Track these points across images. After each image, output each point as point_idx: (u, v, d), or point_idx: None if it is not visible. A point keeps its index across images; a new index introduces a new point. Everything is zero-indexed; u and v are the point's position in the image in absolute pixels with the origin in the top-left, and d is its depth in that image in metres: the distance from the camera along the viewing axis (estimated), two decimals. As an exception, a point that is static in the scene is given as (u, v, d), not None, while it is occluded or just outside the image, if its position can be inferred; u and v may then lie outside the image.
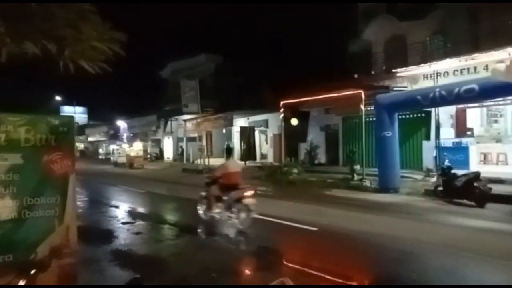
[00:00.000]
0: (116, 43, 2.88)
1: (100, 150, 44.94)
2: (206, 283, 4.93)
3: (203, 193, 8.74)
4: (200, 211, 8.77)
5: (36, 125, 3.09)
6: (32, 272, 1.87)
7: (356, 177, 14.48)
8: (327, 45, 25.33)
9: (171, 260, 6.02)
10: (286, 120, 18.80)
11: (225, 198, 7.99)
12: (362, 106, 14.50)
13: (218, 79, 30.48)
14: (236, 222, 7.64)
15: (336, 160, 19.95)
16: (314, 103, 17.89)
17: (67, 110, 62.44)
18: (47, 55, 2.88)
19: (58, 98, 58.79)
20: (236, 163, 9.18)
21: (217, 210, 8.16)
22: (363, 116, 14.70)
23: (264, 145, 26.77)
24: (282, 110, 18.44)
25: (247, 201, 7.62)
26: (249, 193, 7.77)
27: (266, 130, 25.73)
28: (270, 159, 24.10)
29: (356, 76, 20.19)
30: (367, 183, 13.63)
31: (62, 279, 3.05)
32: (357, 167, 14.92)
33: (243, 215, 7.58)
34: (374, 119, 14.15)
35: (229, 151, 9.74)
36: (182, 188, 15.59)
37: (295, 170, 16.78)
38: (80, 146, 52.93)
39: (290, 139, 19.78)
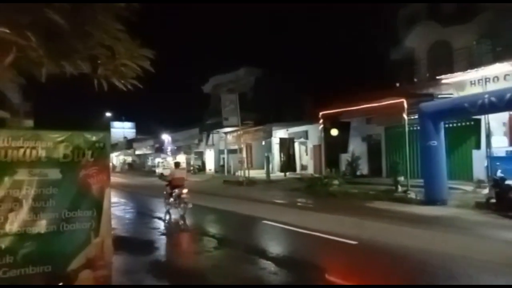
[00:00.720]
0: (146, 60, 2.96)
1: (147, 163, 46.67)
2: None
3: (165, 192, 12.40)
4: (163, 203, 12.55)
5: (74, 141, 3.23)
6: (60, 284, 1.91)
7: (400, 188, 13.88)
8: (367, 54, 24.79)
9: (208, 273, 6.03)
10: (326, 131, 18.49)
11: (173, 194, 11.71)
12: (404, 115, 13.94)
13: (257, 91, 30.82)
14: (179, 209, 11.39)
15: (378, 171, 19.29)
16: (355, 113, 17.46)
17: (116, 125, 66.00)
18: (82, 74, 3.03)
19: (108, 114, 62.26)
20: (181, 171, 12.65)
21: (170, 201, 11.86)
22: (406, 126, 14.12)
23: (304, 156, 26.49)
24: (321, 121, 18.18)
25: (184, 196, 11.34)
26: (185, 191, 11.46)
27: (306, 141, 25.49)
28: (310, 170, 23.78)
29: (397, 84, 19.54)
30: (412, 195, 13.01)
31: (96, 291, 3.14)
32: (401, 178, 14.31)
33: (182, 205, 11.34)
34: (418, 128, 13.54)
35: (177, 164, 13.10)
36: (222, 200, 15.75)
37: (335, 182, 16.42)
38: (128, 159, 55.34)
39: (331, 150, 19.42)
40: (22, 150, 2.98)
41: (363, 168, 19.99)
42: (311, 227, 9.00)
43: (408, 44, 20.82)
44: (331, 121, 18.26)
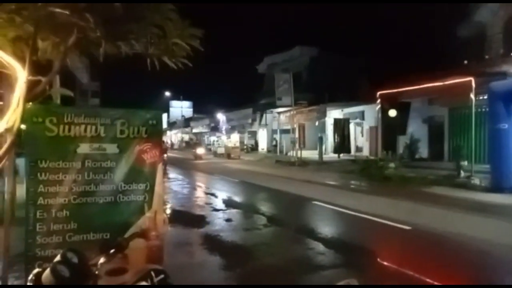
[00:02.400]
0: (196, 39, 3.00)
1: (204, 141, 48.27)
2: (284, 276, 4.95)
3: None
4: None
5: (130, 119, 3.41)
6: (111, 251, 2.06)
7: (463, 174, 13.02)
8: (430, 31, 23.02)
9: (255, 249, 6.18)
10: (384, 111, 17.72)
11: None
12: (472, 96, 12.90)
13: (312, 71, 30.19)
14: None
15: (440, 155, 18.21)
16: (416, 93, 16.53)
17: (175, 104, 68.62)
18: (135, 54, 3.15)
19: (167, 93, 64.81)
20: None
21: None
22: (473, 107, 13.08)
23: (360, 138, 25.73)
24: (379, 101, 17.43)
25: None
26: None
27: (362, 122, 24.68)
28: (365, 152, 23.10)
29: (466, 62, 18.05)
30: (476, 181, 12.16)
31: (150, 259, 3.35)
32: (465, 163, 13.39)
33: None
34: (486, 109, 12.49)
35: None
36: (274, 179, 15.89)
37: (392, 165, 15.77)
38: (186, 137, 57.59)
39: (388, 132, 18.62)
40: (83, 126, 3.21)
41: (423, 151, 18.99)
42: (363, 210, 8.81)
43: (479, 19, 19.02)
44: (389, 102, 17.43)
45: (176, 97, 67.58)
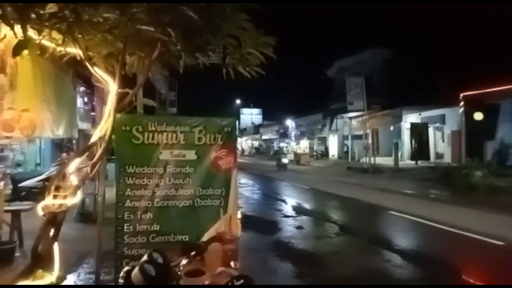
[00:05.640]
0: (269, 47, 3.04)
1: (273, 147, 48.71)
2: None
3: None
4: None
5: (207, 126, 3.56)
6: (192, 254, 2.15)
7: None
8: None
9: (328, 258, 6.03)
10: (468, 114, 16.34)
11: None
12: None
13: (385, 74, 28.85)
14: None
15: (537, 162, 16.20)
16: (506, 94, 14.95)
17: (245, 111, 70.36)
18: (212, 64, 3.29)
19: (238, 101, 66.75)
20: None
21: None
22: None
23: (440, 143, 23.94)
24: (462, 103, 16.12)
25: None
26: None
27: (443, 127, 22.95)
28: (446, 159, 21.39)
29: None
30: None
31: (225, 263, 3.44)
32: None
33: None
34: None
35: None
36: (345, 186, 15.45)
37: (478, 173, 14.36)
38: (255, 143, 58.61)
39: (473, 137, 17.11)
40: (165, 134, 3.43)
41: (515, 158, 17.03)
42: (444, 221, 8.16)
43: None
44: (474, 104, 16.07)
45: (246, 104, 69.26)
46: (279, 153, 30.60)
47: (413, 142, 23.48)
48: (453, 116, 19.86)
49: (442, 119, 22.39)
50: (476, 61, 21.19)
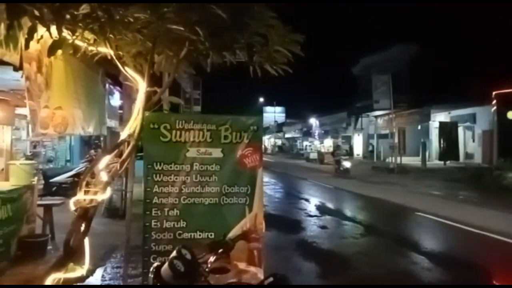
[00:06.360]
0: (297, 45, 3.01)
1: (296, 146, 48.48)
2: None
3: None
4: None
5: (233, 125, 3.57)
6: (220, 251, 2.16)
7: None
8: None
9: (353, 259, 5.94)
10: (501, 113, 15.70)
11: None
12: None
13: (413, 71, 28.06)
14: None
15: None
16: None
17: (268, 110, 70.32)
18: (242, 63, 3.29)
19: (261, 99, 66.80)
20: None
21: None
22: None
23: (470, 143, 23.13)
24: (494, 101, 15.50)
25: None
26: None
27: (473, 126, 22.15)
28: (477, 159, 20.66)
29: None
30: None
31: (250, 261, 3.45)
32: None
33: None
34: None
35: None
36: (370, 186, 15.19)
37: (511, 174, 13.83)
38: (278, 142, 58.52)
39: (507, 136, 16.41)
40: (192, 132, 3.46)
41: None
42: (475, 223, 7.89)
43: None
44: (507, 102, 15.40)
45: (269, 102, 69.18)
46: (336, 154, 22.30)
47: (441, 142, 22.79)
48: (485, 115, 19.17)
49: (472, 118, 21.63)
50: (510, 57, 20.31)
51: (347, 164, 21.21)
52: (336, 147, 24.94)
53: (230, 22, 2.81)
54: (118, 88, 10.32)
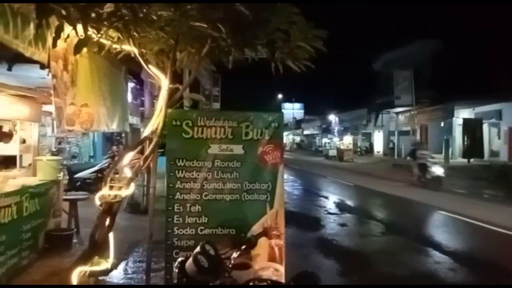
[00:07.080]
0: (319, 40, 2.98)
1: (315, 143, 48.16)
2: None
3: None
4: None
5: (254, 121, 3.57)
6: (243, 247, 2.17)
7: None
8: None
9: (374, 257, 5.87)
10: (528, 110, 15.13)
11: None
12: None
13: (436, 66, 27.36)
14: None
15: None
16: None
17: (287, 106, 70.08)
18: (261, 59, 3.27)
19: (280, 96, 66.64)
20: None
21: None
22: None
23: (495, 141, 22.45)
24: (522, 97, 14.97)
25: None
26: None
27: (499, 123, 21.47)
28: (502, 157, 20.05)
29: None
30: None
31: (271, 258, 3.45)
32: None
33: None
34: None
35: None
36: (391, 184, 14.95)
37: (539, 173, 13.37)
38: (297, 138, 58.24)
39: (534, 134, 15.85)
40: (213, 129, 3.48)
41: None
42: (501, 223, 7.66)
43: None
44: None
45: (288, 99, 68.92)
46: (420, 155, 14.82)
47: (465, 139, 22.19)
48: (511, 111, 18.55)
49: (498, 114, 20.97)
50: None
51: (437, 170, 14.25)
52: (418, 144, 17.63)
53: (252, 19, 2.80)
54: (139, 85, 10.50)
